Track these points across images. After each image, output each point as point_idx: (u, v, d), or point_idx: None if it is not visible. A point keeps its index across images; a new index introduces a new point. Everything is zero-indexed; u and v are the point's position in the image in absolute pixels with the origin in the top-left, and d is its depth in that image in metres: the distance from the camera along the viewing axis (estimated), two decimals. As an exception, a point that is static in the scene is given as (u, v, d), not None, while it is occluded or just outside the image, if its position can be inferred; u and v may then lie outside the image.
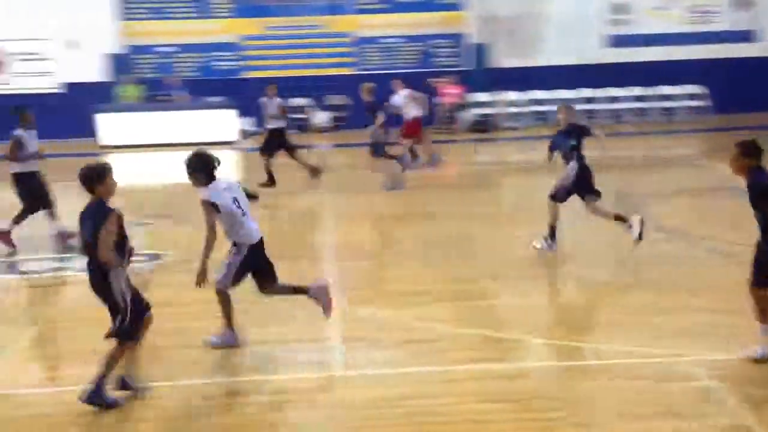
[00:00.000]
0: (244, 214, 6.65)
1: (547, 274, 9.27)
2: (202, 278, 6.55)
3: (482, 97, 21.89)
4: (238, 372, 6.56)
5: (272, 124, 14.15)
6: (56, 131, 17.78)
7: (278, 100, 14.23)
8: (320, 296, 7.00)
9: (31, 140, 10.17)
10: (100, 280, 5.67)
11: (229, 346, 6.84)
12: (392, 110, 15.03)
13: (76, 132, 19.35)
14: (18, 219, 10.26)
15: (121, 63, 21.20)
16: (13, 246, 10.25)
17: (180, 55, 21.78)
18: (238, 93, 20.23)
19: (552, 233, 9.45)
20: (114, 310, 5.72)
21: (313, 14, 22.05)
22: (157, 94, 20.75)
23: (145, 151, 19.07)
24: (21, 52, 20.97)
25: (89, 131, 19.43)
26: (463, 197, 13.44)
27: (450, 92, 21.14)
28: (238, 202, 6.64)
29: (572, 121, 9.65)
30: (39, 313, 8.38)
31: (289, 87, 19.13)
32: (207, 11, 21.88)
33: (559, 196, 9.47)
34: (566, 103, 10.59)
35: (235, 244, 6.74)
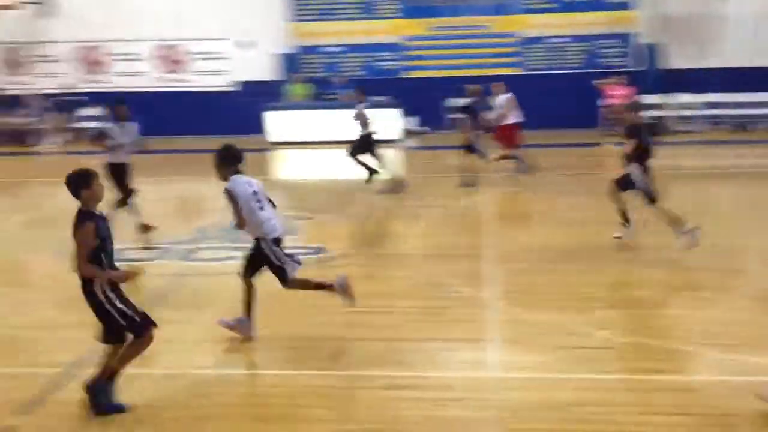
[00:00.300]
0: (261, 209, 6.85)
1: (719, 287, 8.84)
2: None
3: (653, 99, 21.12)
4: (400, 367, 6.64)
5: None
6: (228, 128, 18.66)
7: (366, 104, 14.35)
8: (343, 289, 7.19)
9: (124, 133, 10.64)
10: (85, 289, 5.64)
11: (244, 334, 7.11)
12: (495, 113, 14.94)
13: (247, 129, 20.20)
14: (119, 205, 10.70)
15: (290, 62, 21.95)
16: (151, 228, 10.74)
17: (346, 54, 22.30)
18: (400, 92, 20.49)
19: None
20: (104, 319, 5.68)
21: (478, 14, 22.01)
22: (324, 93, 21.35)
23: (311, 148, 19.66)
24: (200, 52, 22.09)
25: (259, 128, 20.23)
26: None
27: (616, 93, 20.53)
28: (257, 196, 6.87)
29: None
30: (211, 299, 8.80)
31: (452, 87, 19.19)
32: (373, 12, 22.28)
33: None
34: None
35: (257, 240, 6.95)
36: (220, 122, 20.50)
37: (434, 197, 13.66)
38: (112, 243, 5.73)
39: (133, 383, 6.23)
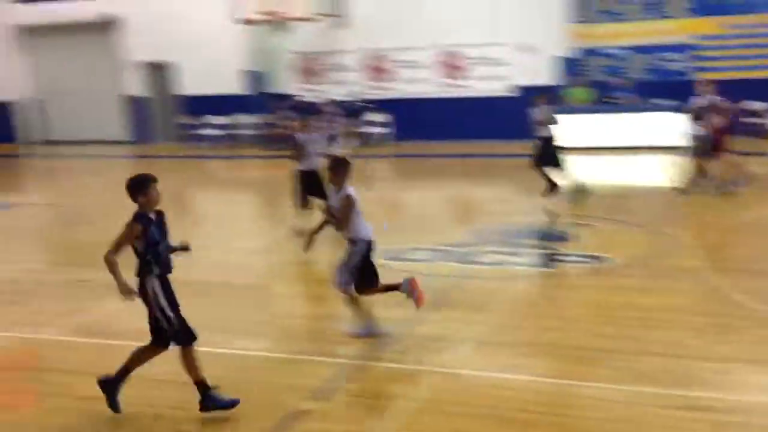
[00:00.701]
0: (360, 216, 7.41)
1: None
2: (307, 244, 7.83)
3: None
4: (687, 386, 6.27)
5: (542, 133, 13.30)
6: (507, 133, 18.75)
7: (548, 107, 13.36)
8: (411, 291, 7.54)
9: (314, 143, 11.49)
10: (138, 285, 5.95)
11: (370, 335, 7.42)
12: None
13: (525, 134, 20.14)
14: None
15: (571, 66, 21.60)
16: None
17: (630, 56, 21.52)
18: (686, 95, 19.40)
19: None
20: (153, 317, 6.00)
21: (778, 11, 20.28)
22: (606, 97, 20.77)
23: (592, 153, 19.22)
24: (479, 57, 22.41)
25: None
26: None
27: None
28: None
29: None
30: (486, 302, 8.88)
31: (744, 89, 17.86)
32: (661, 12, 21.30)
33: None
34: None
35: (352, 241, 7.36)
36: (499, 127, 20.66)
37: (720, 205, 12.77)
38: (165, 247, 6.02)
39: (414, 378, 6.44)
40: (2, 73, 25.53)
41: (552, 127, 13.25)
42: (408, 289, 7.60)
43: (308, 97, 23.07)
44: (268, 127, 22.75)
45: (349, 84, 22.98)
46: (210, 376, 6.33)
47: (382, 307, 8.32)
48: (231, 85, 23.45)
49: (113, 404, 6.27)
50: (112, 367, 7.17)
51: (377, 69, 22.97)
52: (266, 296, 8.99)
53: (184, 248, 6.27)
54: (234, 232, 12.90)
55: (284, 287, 10.07)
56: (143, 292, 6.00)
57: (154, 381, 6.65)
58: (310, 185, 11.43)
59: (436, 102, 22.38)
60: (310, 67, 23.44)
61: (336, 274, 7.47)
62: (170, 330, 6.06)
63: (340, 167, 7.51)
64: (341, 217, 7.33)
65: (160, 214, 6.08)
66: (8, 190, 18.68)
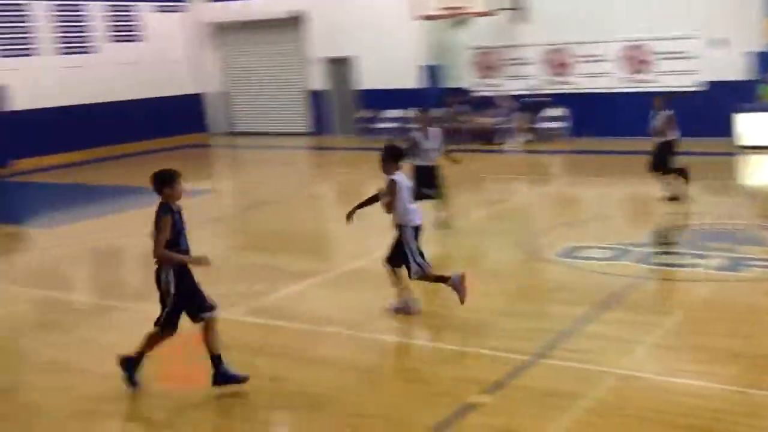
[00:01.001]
0: (410, 201, 7.93)
1: None
2: (349, 215, 8.15)
3: None
4: None
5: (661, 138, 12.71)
6: (694, 129, 17.79)
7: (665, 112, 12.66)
8: (457, 286, 7.89)
9: (428, 139, 11.76)
10: (156, 271, 6.38)
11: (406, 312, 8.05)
12: None
13: (712, 131, 19.13)
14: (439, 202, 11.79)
15: (765, 61, 20.28)
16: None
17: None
18: None
19: None
20: (162, 300, 6.40)
21: None
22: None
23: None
24: (667, 51, 21.48)
25: (727, 131, 19.04)
26: None
27: None
28: (408, 191, 7.97)
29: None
30: (666, 304, 8.50)
31: None
32: None
33: None
34: None
35: (398, 226, 7.89)
36: (684, 124, 19.70)
37: None
38: (185, 235, 6.48)
39: (587, 377, 6.27)
40: (196, 67, 27.08)
41: (671, 131, 12.78)
42: (456, 284, 7.93)
43: (485, 91, 22.97)
44: (443, 122, 22.85)
45: (527, 78, 22.67)
46: (378, 365, 6.42)
47: (560, 304, 8.18)
48: (408, 79, 23.72)
49: (131, 381, 6.68)
50: (286, 347, 7.43)
51: (557, 63, 22.51)
52: (433, 288, 8.98)
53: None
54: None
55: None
56: (158, 278, 6.42)
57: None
58: (425, 180, 11.53)
59: (617, 97, 21.64)
60: (488, 62, 23.30)
61: (408, 263, 7.92)
62: (164, 315, 6.47)
63: (389, 155, 7.93)
64: (387, 201, 7.83)
65: (180, 208, 6.52)
66: (201, 177, 19.79)
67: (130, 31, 24.89)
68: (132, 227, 12.91)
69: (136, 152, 23.16)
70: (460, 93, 23.08)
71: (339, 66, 25.20)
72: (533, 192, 15.89)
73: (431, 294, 8.94)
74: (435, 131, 12.00)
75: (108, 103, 23.69)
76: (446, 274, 8.11)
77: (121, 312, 9.12)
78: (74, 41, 23.34)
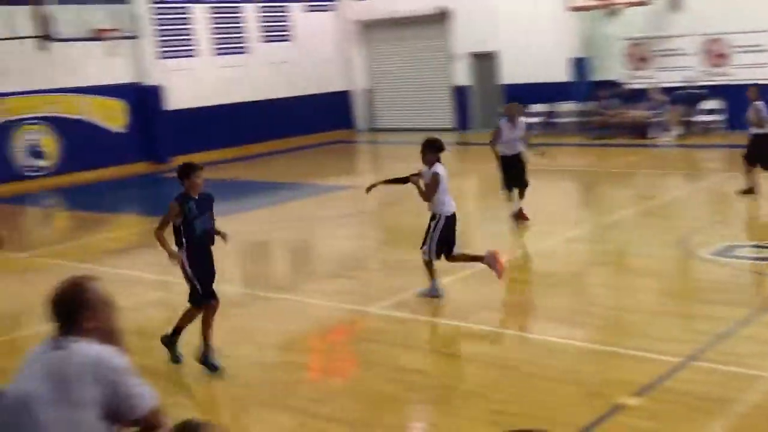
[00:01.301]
0: (446, 192, 8.51)
1: None
2: (370, 187, 9.13)
3: None
4: None
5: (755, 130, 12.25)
6: None
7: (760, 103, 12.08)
8: (492, 263, 8.57)
9: (512, 129, 11.93)
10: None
11: (432, 296, 8.62)
12: None
13: None
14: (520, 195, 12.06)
15: None
16: (526, 218, 11.94)
17: None
18: None
19: None
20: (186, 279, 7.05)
21: None
22: None
23: None
24: (743, 45, 20.42)
25: None
26: None
27: None
28: (447, 181, 8.53)
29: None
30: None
31: None
32: None
33: None
34: None
35: (433, 216, 8.54)
36: None
37: None
38: (201, 223, 6.95)
39: (741, 381, 5.96)
40: (343, 65, 27.58)
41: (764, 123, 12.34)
42: (491, 261, 8.59)
43: (636, 83, 22.21)
44: (591, 115, 22.25)
45: (682, 70, 21.74)
46: (523, 362, 6.32)
47: (714, 305, 7.84)
48: (554, 72, 23.26)
49: (174, 357, 7.30)
50: (429, 341, 7.46)
51: (714, 54, 21.48)
52: (584, 285, 8.80)
53: (222, 236, 7.22)
54: (553, 220, 12.77)
55: (602, 277, 9.79)
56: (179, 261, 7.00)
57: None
58: (511, 170, 11.96)
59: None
60: (640, 53, 22.51)
61: (425, 243, 8.58)
62: (196, 293, 7.03)
63: (431, 147, 8.48)
64: (428, 192, 8.41)
65: (206, 198, 7.06)
66: (345, 172, 20.17)
67: (281, 31, 25.64)
68: (280, 221, 13.33)
69: (286, 149, 23.84)
70: (610, 86, 22.43)
71: (483, 61, 25.04)
72: (687, 187, 15.25)
73: (578, 292, 8.75)
74: (522, 122, 12.23)
75: (259, 101, 24.50)
76: (479, 253, 8.73)
77: (268, 302, 9.42)
78: (229, 42, 24.28)
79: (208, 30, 23.75)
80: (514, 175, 12.01)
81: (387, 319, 8.38)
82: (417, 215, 13.11)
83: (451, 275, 9.62)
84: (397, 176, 9.01)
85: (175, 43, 22.98)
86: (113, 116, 21.71)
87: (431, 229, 8.60)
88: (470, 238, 11.61)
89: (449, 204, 8.58)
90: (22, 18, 18.34)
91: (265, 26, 25.17)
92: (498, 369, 6.82)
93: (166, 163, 21.75)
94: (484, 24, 24.25)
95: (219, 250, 7.30)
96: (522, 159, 12.13)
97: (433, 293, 8.72)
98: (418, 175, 8.56)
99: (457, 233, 8.72)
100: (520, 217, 12.04)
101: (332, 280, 10.05)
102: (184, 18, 23.17)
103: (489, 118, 25.24)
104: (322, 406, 6.41)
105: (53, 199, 18.81)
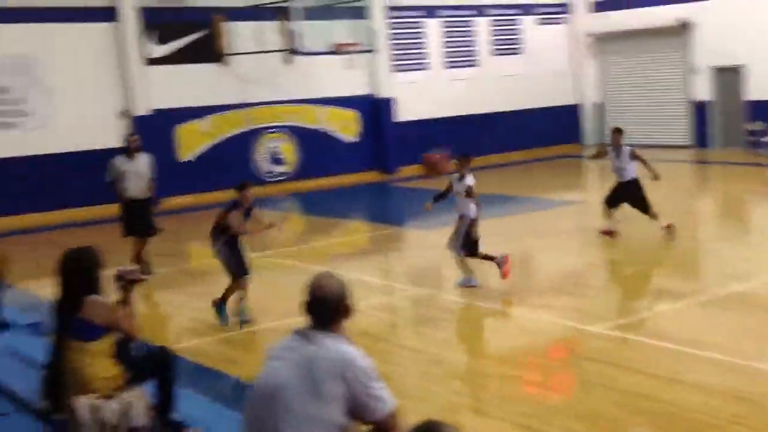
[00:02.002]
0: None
1: None
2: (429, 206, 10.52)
3: None
4: None
5: None
6: None
7: None
8: (501, 264, 9.95)
9: (620, 159, 12.35)
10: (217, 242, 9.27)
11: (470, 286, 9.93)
12: None
13: None
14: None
15: None
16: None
17: None
18: None
19: None
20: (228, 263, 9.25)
21: None
22: None
23: None
24: None
25: None
26: None
27: None
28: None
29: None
30: None
31: None
32: None
33: None
34: None
35: (460, 216, 10.04)
36: None
37: None
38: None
39: None
40: (575, 78, 27.07)
41: None
42: (500, 261, 9.97)
43: None
44: None
45: None
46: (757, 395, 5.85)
47: None
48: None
49: (222, 318, 9.15)
50: (655, 366, 7.15)
51: None
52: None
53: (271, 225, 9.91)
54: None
55: None
56: (217, 249, 9.18)
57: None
58: (620, 195, 12.34)
59: None
60: None
61: (452, 241, 10.03)
62: (235, 271, 9.15)
63: (465, 161, 10.34)
64: (467, 197, 9.99)
65: (249, 208, 9.24)
66: (571, 187, 19.79)
67: (512, 44, 25.63)
68: (504, 233, 13.30)
69: (511, 162, 23.76)
70: None
71: (727, 75, 23.62)
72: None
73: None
74: (626, 150, 12.35)
75: (487, 114, 24.60)
76: (493, 254, 10.02)
77: (487, 313, 9.41)
78: (460, 55, 24.60)
79: (441, 44, 24.20)
80: (617, 200, 12.46)
81: (610, 338, 8.11)
82: (651, 234, 12.64)
83: (681, 299, 9.18)
84: (442, 191, 10.40)
85: (408, 56, 23.63)
86: (347, 127, 22.68)
87: (459, 228, 10.03)
88: (717, 264, 11.03)
89: (474, 209, 10.04)
90: (270, 32, 19.62)
91: (496, 40, 25.27)
92: (739, 402, 6.38)
93: (393, 173, 22.40)
94: (730, 36, 22.87)
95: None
96: (629, 186, 12.33)
97: (470, 283, 10.03)
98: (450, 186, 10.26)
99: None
100: (607, 233, 12.36)
101: (555, 296, 9.87)
102: (418, 32, 23.77)
103: (731, 135, 23.78)
104: (536, 421, 6.30)
105: (289, 203, 19.93)
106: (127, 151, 11.88)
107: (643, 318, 8.81)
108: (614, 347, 7.89)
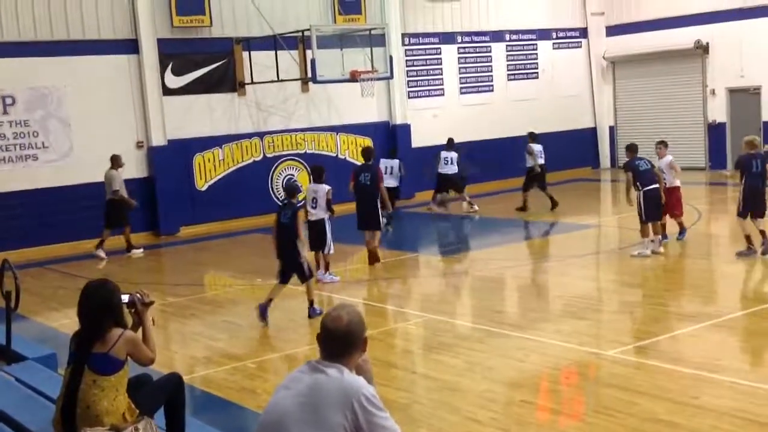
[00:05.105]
0: None
1: None
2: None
3: None
4: None
5: None
6: None
7: None
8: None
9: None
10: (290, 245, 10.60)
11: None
12: None
13: None
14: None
15: None
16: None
17: None
18: None
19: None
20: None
21: None
22: None
23: None
24: None
25: None
26: None
27: None
28: None
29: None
30: None
31: None
32: None
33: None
34: None
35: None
36: None
37: None
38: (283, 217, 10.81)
39: None
40: (591, 102, 27.06)
41: None
42: None
43: None
44: None
45: None
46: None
47: None
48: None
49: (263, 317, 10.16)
50: (671, 390, 7.11)
51: None
52: None
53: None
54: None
55: None
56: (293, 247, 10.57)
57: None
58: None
59: None
60: None
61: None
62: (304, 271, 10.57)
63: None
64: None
65: (296, 207, 10.76)
66: (586, 211, 19.75)
67: (529, 69, 25.70)
68: (518, 257, 13.28)
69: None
70: None
71: (743, 96, 23.57)
72: None
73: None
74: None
75: (502, 138, 24.58)
76: None
77: (501, 338, 9.38)
78: (476, 80, 24.68)
79: (456, 70, 24.30)
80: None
81: (626, 363, 8.07)
82: (665, 259, 12.59)
83: (697, 322, 9.14)
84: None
85: (423, 83, 23.74)
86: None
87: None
88: (731, 287, 10.92)
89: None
90: (287, 61, 19.75)
91: (512, 64, 25.35)
92: (758, 428, 6.33)
93: (409, 199, 22.39)
94: (745, 58, 22.85)
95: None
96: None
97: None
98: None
99: None
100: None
101: (570, 321, 9.84)
102: (435, 58, 23.91)
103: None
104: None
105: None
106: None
107: (658, 341, 8.76)
108: (630, 372, 7.85)
